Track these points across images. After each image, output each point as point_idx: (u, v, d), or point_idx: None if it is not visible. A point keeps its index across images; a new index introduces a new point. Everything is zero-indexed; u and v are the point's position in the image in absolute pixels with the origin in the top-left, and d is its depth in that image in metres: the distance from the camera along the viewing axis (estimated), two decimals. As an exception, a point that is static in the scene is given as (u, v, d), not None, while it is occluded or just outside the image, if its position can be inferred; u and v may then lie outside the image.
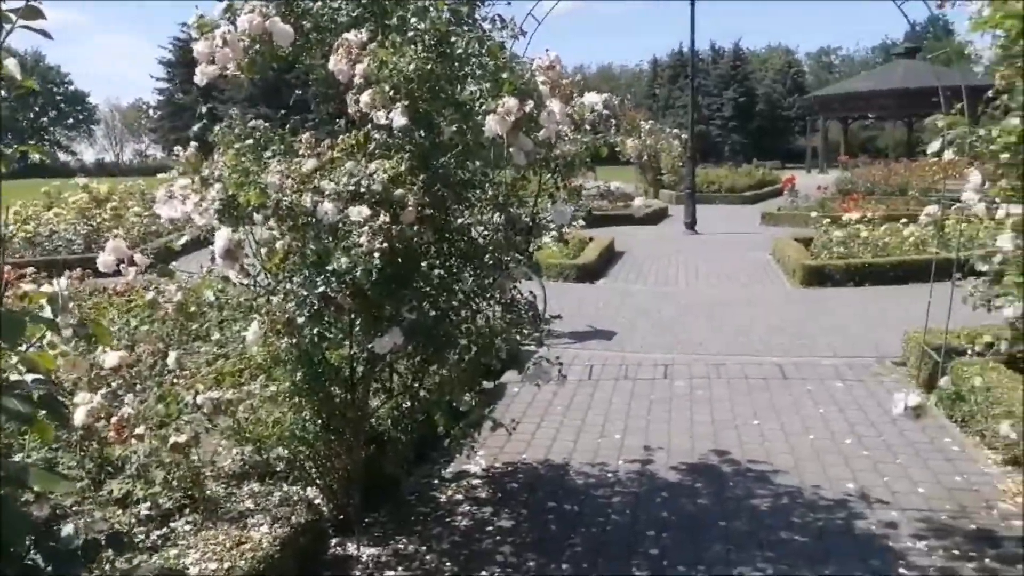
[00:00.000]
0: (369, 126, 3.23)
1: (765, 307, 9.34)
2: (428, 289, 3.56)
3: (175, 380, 3.63)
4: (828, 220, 12.99)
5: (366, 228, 2.95)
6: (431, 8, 3.21)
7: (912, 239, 11.43)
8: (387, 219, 2.98)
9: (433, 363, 3.97)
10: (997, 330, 3.48)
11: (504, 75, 3.09)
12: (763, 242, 13.96)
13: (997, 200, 3.35)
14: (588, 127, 3.97)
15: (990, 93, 3.42)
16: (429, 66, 3.12)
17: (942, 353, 5.41)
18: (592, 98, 3.76)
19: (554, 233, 4.51)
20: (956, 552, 3.61)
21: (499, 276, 3.92)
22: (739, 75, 63.14)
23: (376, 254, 2.93)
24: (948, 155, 3.41)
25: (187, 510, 3.59)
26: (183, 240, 3.54)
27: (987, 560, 3.54)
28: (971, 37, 3.79)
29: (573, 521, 4.04)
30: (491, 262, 3.74)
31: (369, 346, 3.39)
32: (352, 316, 3.41)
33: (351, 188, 3.00)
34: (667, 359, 7.06)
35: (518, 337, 4.22)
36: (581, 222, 13.12)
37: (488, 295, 3.94)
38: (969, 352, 4.95)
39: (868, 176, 22.26)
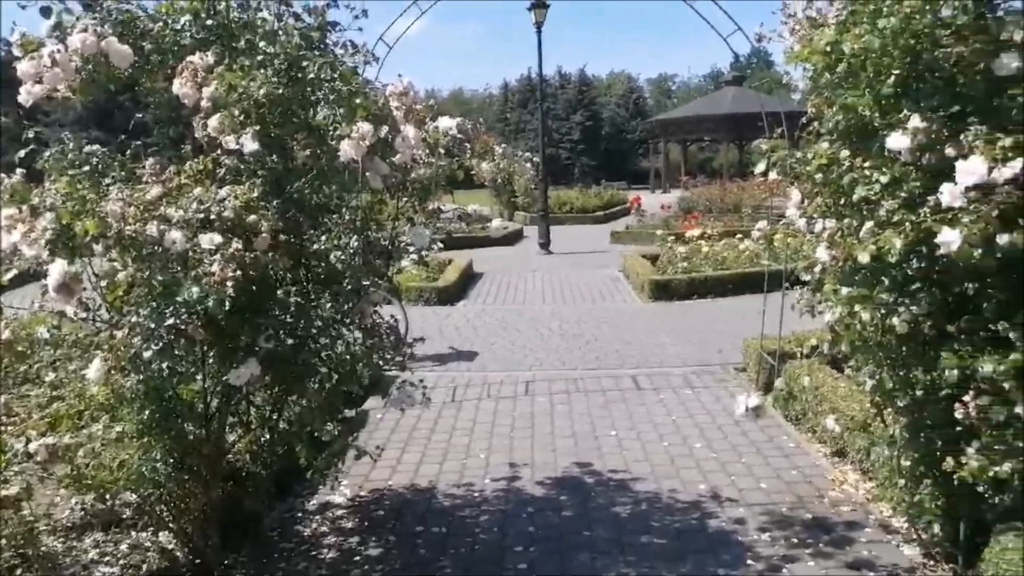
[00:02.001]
0: (219, 151, 3.13)
1: (618, 322, 9.75)
2: (285, 317, 3.48)
3: (1, 427, 3.32)
4: (672, 237, 13.76)
5: (218, 256, 2.85)
6: (281, 32, 3.17)
7: (747, 253, 12.31)
8: (240, 246, 2.90)
9: (293, 393, 3.87)
10: (820, 334, 3.84)
11: (358, 100, 3.10)
12: (613, 259, 14.58)
13: (814, 216, 3.70)
14: (443, 151, 4.04)
15: (804, 119, 3.79)
16: (280, 90, 3.08)
17: (776, 357, 5.87)
18: (446, 122, 3.84)
19: (414, 256, 4.54)
20: (795, 540, 3.92)
21: (359, 301, 3.89)
22: (585, 100, 65.69)
23: (229, 283, 2.84)
24: (772, 175, 3.75)
25: (19, 571, 3.28)
26: (10, 275, 3.27)
27: (821, 545, 3.86)
28: (788, 68, 4.19)
29: (442, 543, 4.05)
30: (350, 287, 3.70)
31: (224, 378, 3.26)
32: (205, 348, 3.28)
33: (200, 215, 2.90)
34: (528, 376, 7.22)
35: (380, 362, 4.19)
36: (440, 245, 13.16)
37: (348, 321, 3.89)
38: (798, 355, 5.40)
39: (706, 195, 23.74)
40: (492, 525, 4.25)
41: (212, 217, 2.91)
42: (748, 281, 10.62)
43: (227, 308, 2.93)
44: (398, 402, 4.11)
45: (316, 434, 4.02)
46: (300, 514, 4.45)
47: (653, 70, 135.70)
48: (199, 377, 3.38)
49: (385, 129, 3.07)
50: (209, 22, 3.39)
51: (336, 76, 3.16)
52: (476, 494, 4.65)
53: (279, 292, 3.38)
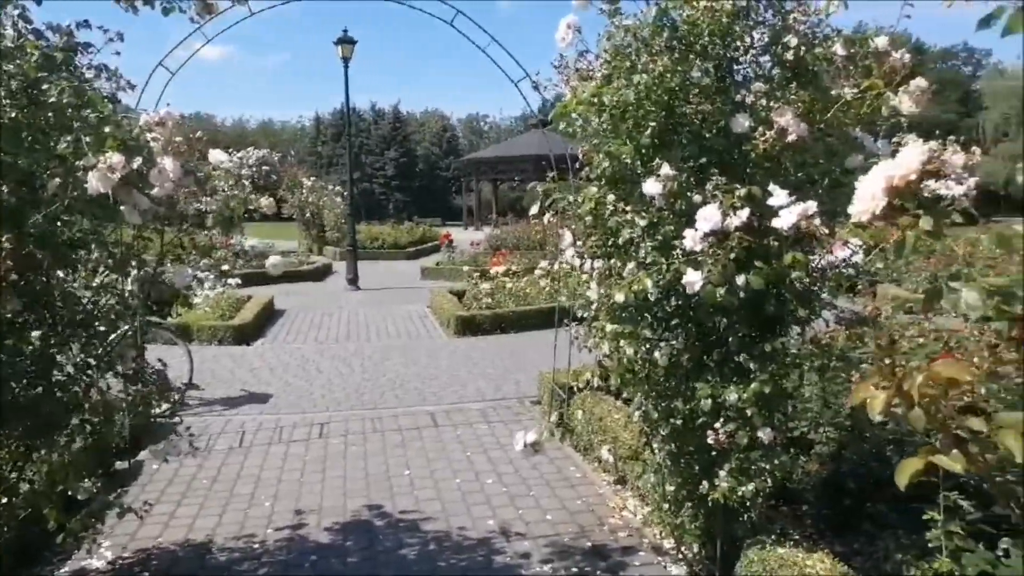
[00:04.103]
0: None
1: (421, 358, 9.73)
2: (26, 364, 3.12)
3: None
4: (478, 274, 14.01)
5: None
6: (16, 52, 2.88)
7: (547, 289, 12.77)
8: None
9: (38, 448, 3.47)
10: (593, 368, 4.04)
11: (108, 128, 2.87)
12: (422, 296, 14.58)
13: (586, 256, 3.91)
14: (229, 185, 3.85)
15: (577, 164, 4.01)
16: (15, 114, 2.79)
17: (567, 390, 6.10)
18: (218, 155, 3.65)
19: (208, 293, 4.25)
20: (575, 570, 4.04)
21: (118, 345, 3.58)
22: (399, 136, 65.95)
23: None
24: (547, 217, 3.92)
25: None
26: None
27: (599, 573, 4.01)
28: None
29: (214, 603, 3.77)
30: (105, 329, 3.40)
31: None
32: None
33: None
34: (323, 418, 6.98)
35: (145, 410, 3.87)
36: (237, 280, 12.45)
37: (106, 366, 3.57)
38: (582, 388, 5.65)
39: (515, 233, 24.52)
40: (271, 578, 4.02)
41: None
42: (548, 316, 10.97)
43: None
44: (161, 453, 3.79)
45: (71, 492, 3.63)
46: (49, 584, 3.97)
47: (465, 110, 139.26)
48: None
49: (139, 160, 2.85)
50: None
51: (82, 102, 2.90)
52: (257, 546, 4.39)
53: (10, 339, 3.02)
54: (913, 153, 1.83)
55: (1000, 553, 3.00)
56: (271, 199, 4.12)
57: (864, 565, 3.74)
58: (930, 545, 3.20)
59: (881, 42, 3.41)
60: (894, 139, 3.31)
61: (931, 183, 1.88)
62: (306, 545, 4.40)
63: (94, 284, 3.41)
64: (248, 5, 6.32)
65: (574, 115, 3.63)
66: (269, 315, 12.89)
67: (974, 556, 3.01)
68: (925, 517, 3.21)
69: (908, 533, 3.53)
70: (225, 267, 12.97)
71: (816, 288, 3.55)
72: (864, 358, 4.08)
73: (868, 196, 1.83)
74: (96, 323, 3.34)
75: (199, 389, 7.50)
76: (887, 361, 1.53)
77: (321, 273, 20.10)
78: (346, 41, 17.08)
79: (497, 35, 6.51)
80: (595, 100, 3.48)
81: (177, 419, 4.00)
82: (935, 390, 1.47)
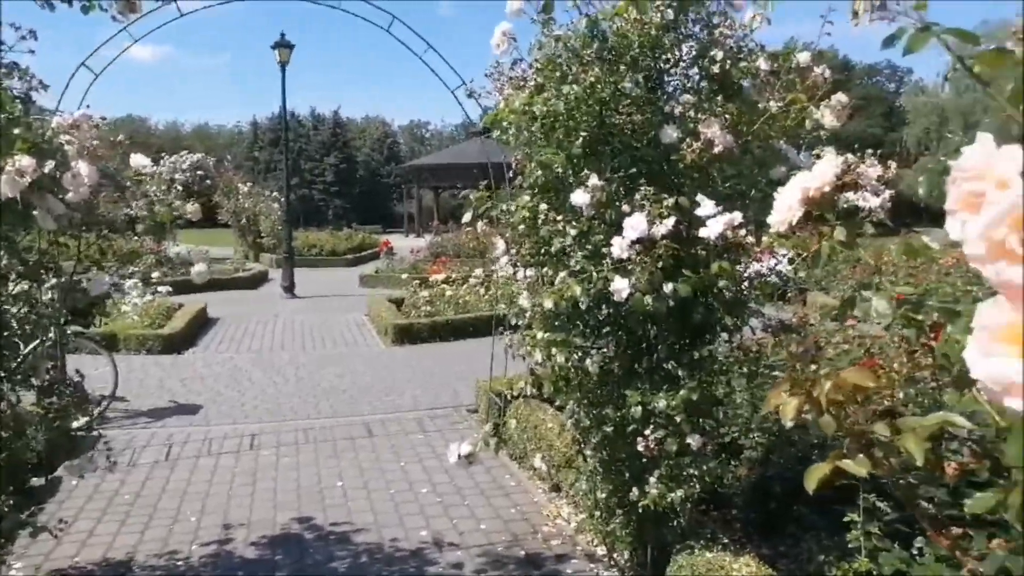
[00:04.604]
0: None
1: (357, 367, 9.60)
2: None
3: None
4: (417, 281, 13.92)
5: None
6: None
7: (487, 297, 12.77)
8: None
9: (-61, 466, 3.29)
10: (525, 376, 4.06)
11: (18, 131, 2.74)
12: (360, 304, 14.40)
13: (519, 264, 3.91)
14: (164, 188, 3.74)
15: (511, 173, 4.01)
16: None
17: (503, 399, 6.09)
18: (140, 160, 3.54)
19: (136, 302, 4.10)
20: (508, 579, 4.03)
21: (30, 356, 3.43)
22: (339, 142, 65.18)
23: None
24: (480, 225, 3.91)
25: None
26: None
27: (532, 581, 4.01)
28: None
29: (133, 624, 3.63)
30: (17, 340, 3.24)
31: None
32: None
33: None
34: (255, 429, 6.82)
35: (61, 423, 3.71)
36: (168, 288, 12.04)
37: (20, 378, 3.41)
38: (517, 396, 5.65)
39: (456, 240, 24.46)
40: (195, 596, 3.90)
41: None
42: (488, 324, 10.90)
43: None
44: (77, 469, 3.64)
45: (-23, 512, 3.45)
46: (-46, 608, 3.76)
47: (407, 116, 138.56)
48: None
49: (51, 164, 2.74)
50: None
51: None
52: (180, 563, 4.24)
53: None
54: (828, 165, 1.88)
55: (915, 552, 3.11)
56: (197, 205, 4.00)
57: (789, 567, 3.82)
58: (850, 546, 3.30)
59: (803, 58, 3.50)
60: (814, 152, 3.42)
61: (849, 195, 1.93)
62: (233, 561, 4.28)
63: (4, 293, 3.26)
64: (177, 5, 6.18)
65: (505, 123, 3.63)
66: (201, 323, 12.56)
67: (890, 555, 3.11)
68: (846, 519, 3.31)
69: (830, 535, 3.62)
70: (156, 274, 12.62)
71: (743, 296, 3.63)
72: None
73: (785, 207, 1.87)
74: (5, 333, 3.18)
75: (124, 401, 7.24)
76: (798, 368, 1.57)
77: (257, 280, 19.70)
78: (283, 45, 16.80)
79: (437, 37, 6.50)
80: (527, 109, 3.49)
81: (96, 433, 3.85)
82: (843, 396, 1.50)
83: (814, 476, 1.42)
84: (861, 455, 1.48)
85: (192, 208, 3.89)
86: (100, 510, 4.98)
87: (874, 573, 3.19)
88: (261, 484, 5.46)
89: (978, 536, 1.78)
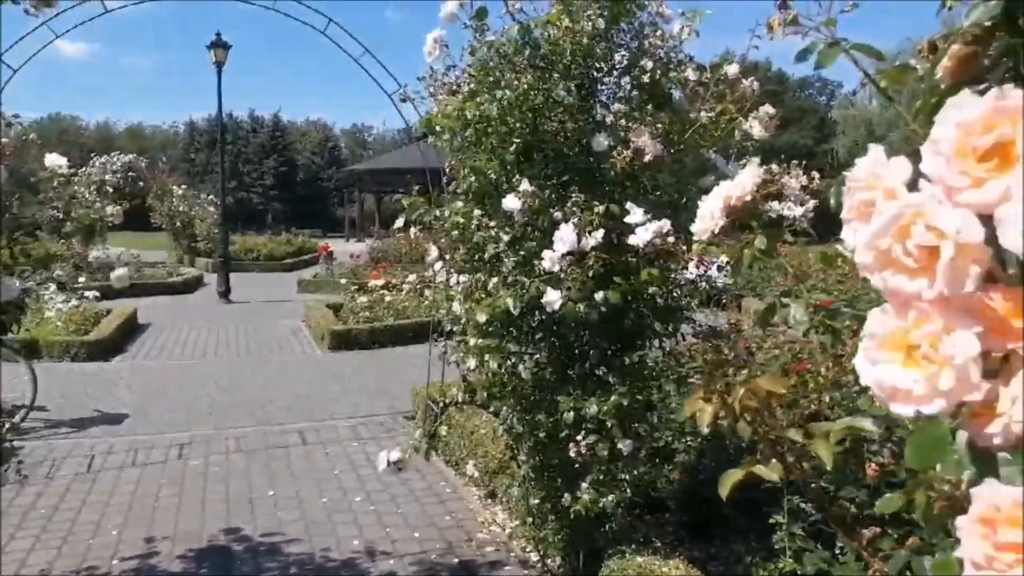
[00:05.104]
0: None
1: (293, 374, 9.42)
2: None
3: None
4: (356, 287, 13.73)
5: None
6: None
7: (428, 302, 12.67)
8: None
9: None
10: (457, 383, 4.03)
11: (-81, 127, 2.61)
12: (298, 309, 14.14)
13: (452, 270, 3.89)
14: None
15: (445, 179, 3.99)
16: None
17: (439, 405, 6.04)
18: (55, 160, 3.40)
19: (60, 307, 3.92)
20: (441, 588, 3.99)
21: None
22: (279, 145, 64.03)
23: None
24: (413, 231, 3.88)
25: None
26: None
27: (465, 589, 3.98)
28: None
29: (46, 644, 3.47)
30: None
31: None
32: None
33: None
34: (183, 438, 6.62)
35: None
36: (95, 293, 11.68)
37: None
38: (449, 403, 5.61)
39: (397, 245, 24.25)
40: (114, 614, 3.75)
41: None
42: (427, 330, 10.88)
43: None
44: (-16, 483, 3.47)
45: None
46: None
47: (349, 120, 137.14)
48: None
49: (-44, 162, 2.61)
50: None
51: None
52: (99, 579, 4.09)
53: None
54: (749, 175, 1.91)
55: (837, 551, 3.20)
56: (119, 208, 3.88)
57: (719, 569, 3.89)
58: (776, 547, 3.37)
59: (732, 70, 3.58)
60: (741, 162, 3.48)
61: (774, 204, 1.97)
62: (155, 575, 4.13)
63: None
64: (103, 2, 5.98)
65: (439, 128, 3.61)
66: (131, 329, 12.15)
67: (813, 555, 3.19)
68: (772, 521, 3.38)
69: (758, 536, 3.70)
70: (82, 279, 12.15)
71: (674, 303, 3.68)
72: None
73: (708, 215, 1.89)
74: (-93, 340, 3.02)
75: (44, 410, 6.96)
76: (714, 374, 1.59)
77: (191, 285, 19.19)
78: (219, 45, 16.43)
79: (385, 43, 6.44)
80: (460, 114, 3.48)
81: (8, 444, 3.67)
82: (756, 403, 1.53)
83: (728, 483, 1.44)
84: (774, 460, 1.50)
85: (113, 211, 3.78)
86: (14, 526, 4.75)
87: (798, 573, 3.26)
88: (188, 495, 5.29)
89: (888, 538, 1.83)
